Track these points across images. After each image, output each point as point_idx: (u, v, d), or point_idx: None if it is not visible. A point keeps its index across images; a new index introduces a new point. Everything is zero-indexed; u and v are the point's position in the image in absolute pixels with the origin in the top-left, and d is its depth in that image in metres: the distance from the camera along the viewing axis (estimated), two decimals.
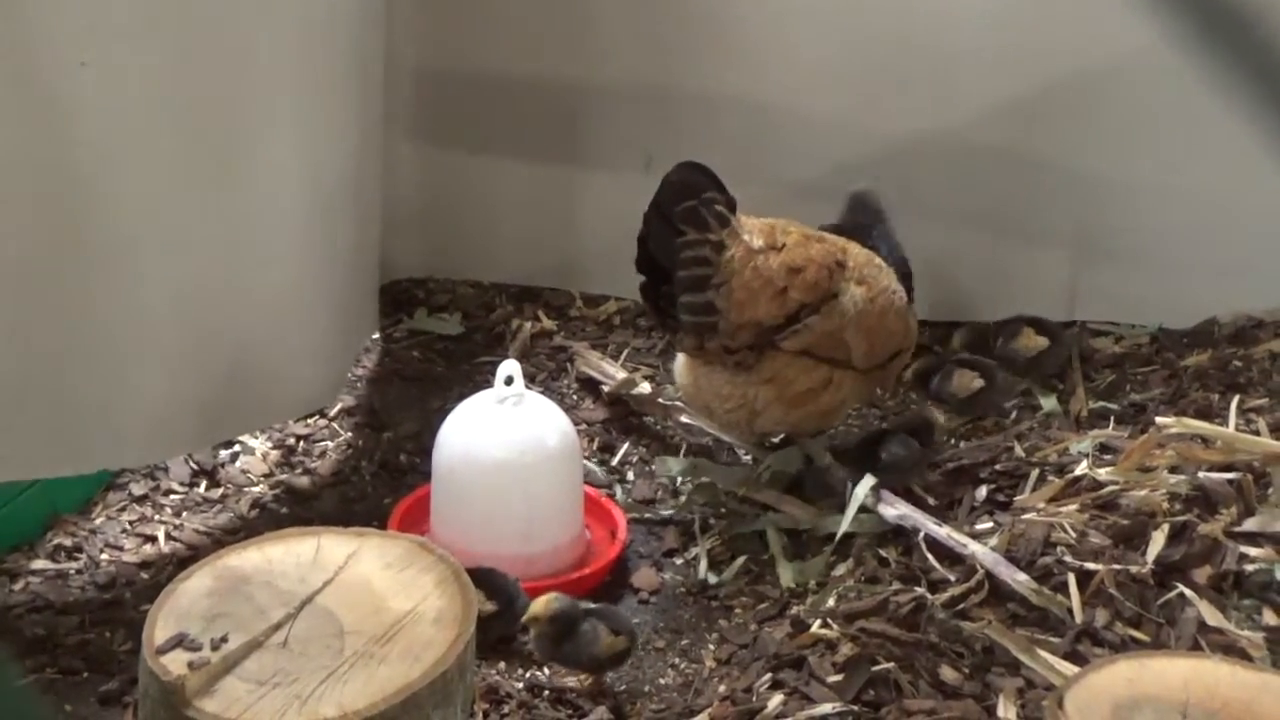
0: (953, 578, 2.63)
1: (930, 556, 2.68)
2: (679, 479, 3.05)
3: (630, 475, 3.13)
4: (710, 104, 3.48)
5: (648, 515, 2.99)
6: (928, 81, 3.36)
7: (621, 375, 3.29)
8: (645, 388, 3.26)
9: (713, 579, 2.81)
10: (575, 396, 3.37)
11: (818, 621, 2.57)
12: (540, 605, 2.50)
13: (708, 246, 2.69)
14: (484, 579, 2.54)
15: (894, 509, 2.78)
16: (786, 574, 2.76)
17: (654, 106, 3.52)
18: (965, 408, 3.17)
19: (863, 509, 2.79)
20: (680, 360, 2.91)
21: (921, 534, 2.72)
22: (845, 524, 2.76)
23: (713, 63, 3.47)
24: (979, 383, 3.16)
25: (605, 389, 3.30)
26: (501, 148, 3.64)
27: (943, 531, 2.70)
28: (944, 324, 3.43)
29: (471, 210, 3.71)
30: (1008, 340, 3.27)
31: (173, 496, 3.06)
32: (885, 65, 3.37)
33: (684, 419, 3.18)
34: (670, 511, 2.99)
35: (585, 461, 3.02)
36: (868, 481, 2.80)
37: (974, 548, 2.65)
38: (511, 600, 2.60)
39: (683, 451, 3.15)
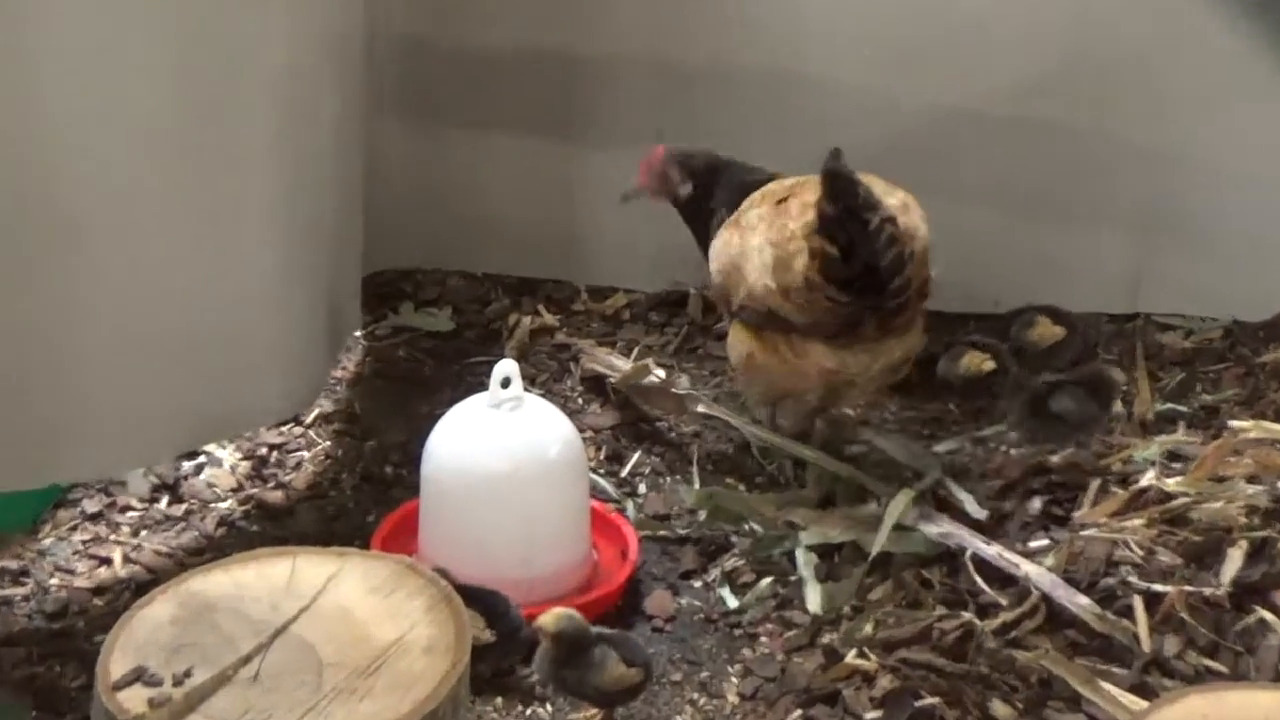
0: (1004, 602, 2.63)
1: (978, 578, 2.67)
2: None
3: (642, 488, 3.12)
4: (726, 74, 3.47)
5: (662, 533, 2.98)
6: (969, 47, 3.34)
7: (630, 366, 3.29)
8: (659, 374, 3.25)
9: (735, 604, 2.80)
10: (580, 400, 3.36)
11: (853, 651, 2.56)
12: (550, 619, 2.50)
13: (891, 222, 2.73)
14: (482, 603, 2.53)
15: (937, 526, 2.77)
16: (815, 598, 2.75)
17: (664, 77, 3.51)
18: (969, 392, 3.17)
19: (902, 526, 2.78)
20: (821, 351, 2.87)
21: (968, 553, 2.70)
22: (880, 542, 2.75)
23: (727, 29, 3.46)
24: (989, 365, 3.16)
25: (612, 381, 3.28)
26: (497, 123, 3.63)
27: (992, 550, 2.70)
28: (989, 316, 3.42)
29: (464, 193, 3.71)
30: (1021, 330, 3.27)
31: (130, 514, 3.05)
32: (920, 30, 3.36)
33: (701, 409, 3.16)
34: (687, 529, 2.98)
35: (592, 473, 3.01)
36: (904, 496, 2.80)
37: (1028, 568, 2.65)
38: (513, 630, 2.59)
39: (695, 460, 3.13)
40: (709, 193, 3.07)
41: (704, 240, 3.09)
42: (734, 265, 2.93)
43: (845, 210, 2.72)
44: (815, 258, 2.76)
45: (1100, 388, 2.98)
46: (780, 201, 2.89)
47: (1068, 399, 2.94)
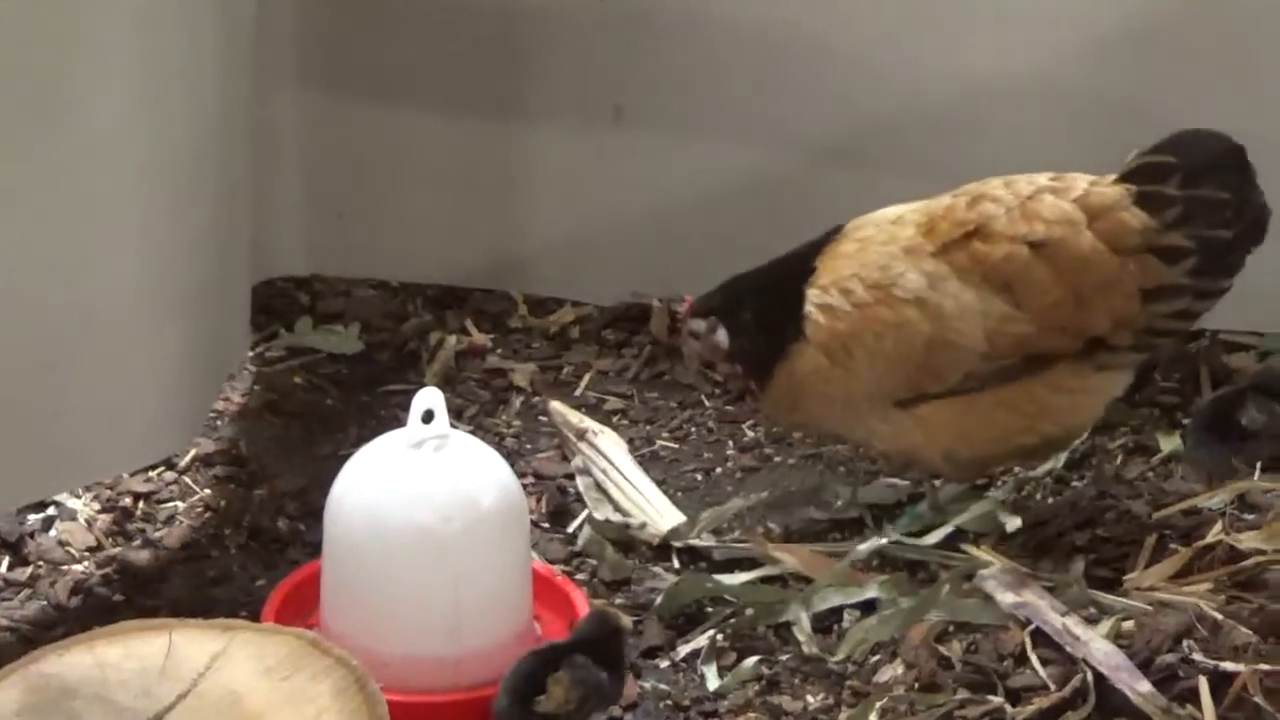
0: (1045, 682, 2.64)
1: (1034, 657, 2.68)
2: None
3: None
4: (699, 32, 3.50)
5: (620, 601, 3.01)
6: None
7: (664, 507, 3.20)
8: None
9: (713, 685, 2.83)
10: (519, 438, 3.38)
11: None
12: None
13: None
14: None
15: (1013, 594, 2.80)
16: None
17: (623, 38, 3.54)
18: None
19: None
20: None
21: (1031, 626, 2.73)
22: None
23: None
24: None
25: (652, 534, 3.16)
26: (416, 97, 3.65)
27: (1059, 622, 2.72)
28: None
29: (375, 183, 3.73)
30: None
31: None
32: None
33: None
34: (652, 595, 3.01)
35: (535, 527, 3.04)
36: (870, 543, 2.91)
37: (1098, 644, 2.66)
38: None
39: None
40: (742, 313, 3.02)
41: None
42: (933, 342, 2.92)
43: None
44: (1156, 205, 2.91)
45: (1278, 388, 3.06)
46: (963, 237, 2.93)
47: (1257, 410, 3.01)
